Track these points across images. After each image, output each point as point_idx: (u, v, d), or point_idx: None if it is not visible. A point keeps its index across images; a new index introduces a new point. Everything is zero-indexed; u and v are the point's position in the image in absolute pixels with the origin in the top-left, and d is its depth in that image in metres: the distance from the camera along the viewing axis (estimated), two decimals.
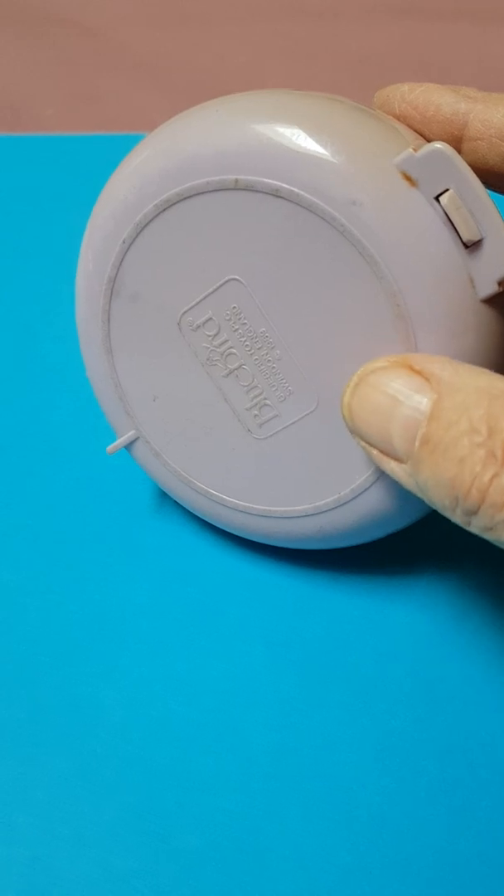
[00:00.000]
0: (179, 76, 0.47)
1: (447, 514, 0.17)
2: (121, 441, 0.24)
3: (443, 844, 0.20)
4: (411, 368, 0.17)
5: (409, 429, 0.17)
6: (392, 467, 0.18)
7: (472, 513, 0.16)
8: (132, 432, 0.24)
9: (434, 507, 0.17)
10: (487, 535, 0.16)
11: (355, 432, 0.19)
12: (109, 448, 0.24)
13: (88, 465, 0.27)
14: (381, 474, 0.20)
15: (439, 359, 0.18)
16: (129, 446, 0.24)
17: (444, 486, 0.16)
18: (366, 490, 0.21)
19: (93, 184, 0.21)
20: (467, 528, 0.17)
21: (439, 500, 0.17)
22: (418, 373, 0.17)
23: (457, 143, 0.20)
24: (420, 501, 0.19)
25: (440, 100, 0.20)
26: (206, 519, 0.25)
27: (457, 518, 0.17)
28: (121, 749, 0.22)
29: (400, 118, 0.20)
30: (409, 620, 0.24)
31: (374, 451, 0.18)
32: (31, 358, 0.31)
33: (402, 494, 0.21)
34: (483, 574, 0.25)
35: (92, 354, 0.23)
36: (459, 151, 0.20)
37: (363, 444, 0.19)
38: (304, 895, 0.19)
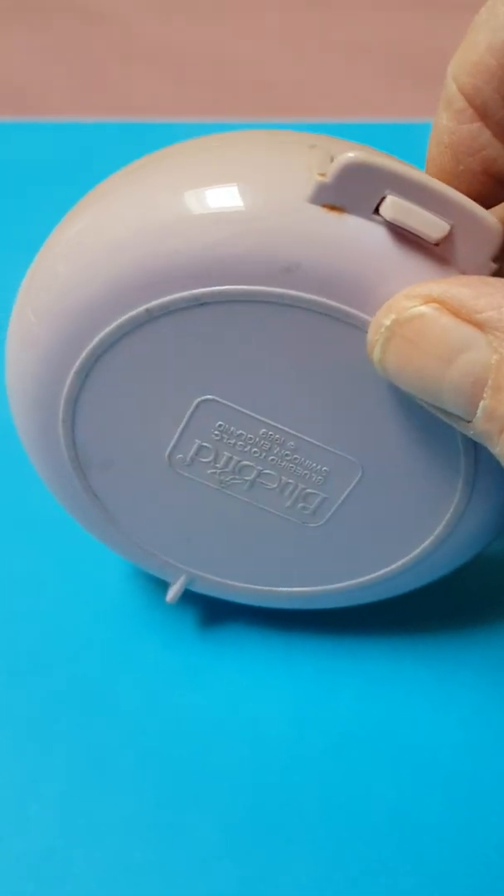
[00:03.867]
0: (186, 63, 0.46)
1: None
2: (177, 587, 0.21)
3: (459, 836, 0.20)
4: (457, 315, 0.14)
5: (465, 396, 0.14)
6: (452, 423, 0.15)
7: None
8: (183, 577, 0.21)
9: None
10: None
11: (401, 388, 0.15)
12: (169, 597, 0.21)
13: None
14: (474, 490, 0.17)
15: (491, 289, 0.13)
16: (189, 584, 0.21)
17: None
18: (463, 513, 0.18)
19: (99, 170, 0.20)
20: None
21: None
22: (467, 321, 0.13)
23: None
24: None
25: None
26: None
27: None
28: (137, 740, 0.21)
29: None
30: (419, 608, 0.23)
31: (426, 404, 0.15)
32: None
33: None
34: None
35: (100, 532, 0.20)
36: None
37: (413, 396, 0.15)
38: (321, 888, 0.19)
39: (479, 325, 0.13)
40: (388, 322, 0.14)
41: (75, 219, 0.16)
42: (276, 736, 0.21)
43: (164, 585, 0.22)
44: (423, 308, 0.14)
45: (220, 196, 0.15)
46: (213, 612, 0.23)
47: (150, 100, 0.43)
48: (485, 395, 0.13)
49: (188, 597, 0.23)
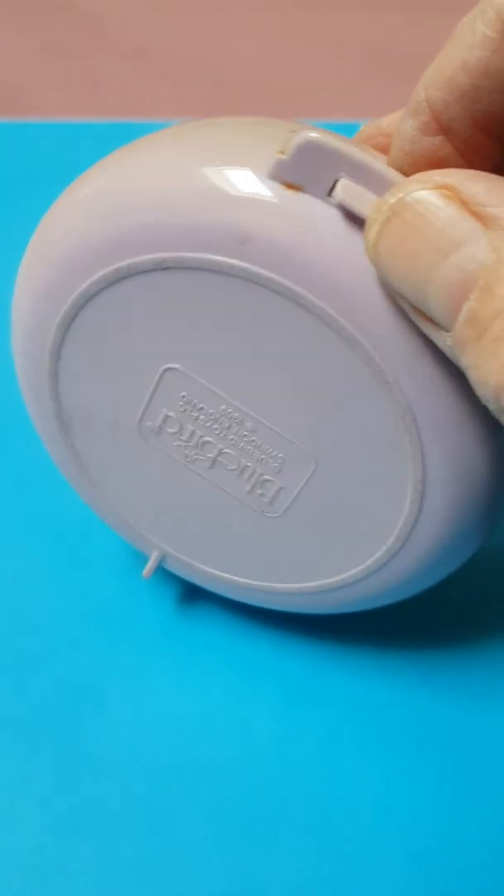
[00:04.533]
0: (183, 63, 0.46)
1: (489, 407, 0.13)
2: (151, 562, 0.22)
3: (446, 832, 0.20)
4: (463, 204, 0.13)
5: (452, 294, 0.13)
6: (429, 331, 0.14)
7: None
8: (156, 552, 0.22)
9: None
10: None
11: (383, 280, 0.14)
12: (145, 571, 0.22)
13: None
14: (425, 500, 0.17)
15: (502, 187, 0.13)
16: (163, 561, 0.22)
17: (490, 389, 0.13)
18: (415, 525, 0.17)
19: None
20: None
21: (483, 395, 0.13)
22: (473, 214, 0.13)
23: None
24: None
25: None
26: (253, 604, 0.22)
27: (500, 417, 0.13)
28: (126, 738, 0.21)
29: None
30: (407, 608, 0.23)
31: (407, 305, 0.14)
32: None
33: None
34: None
35: (83, 492, 0.21)
36: None
37: (394, 294, 0.14)
38: (309, 884, 0.19)
39: (485, 221, 0.13)
40: (392, 201, 0.13)
41: (71, 194, 0.18)
42: (265, 734, 0.22)
43: (154, 583, 0.22)
44: (432, 192, 0.13)
45: (186, 166, 0.15)
46: (206, 611, 0.24)
47: (147, 100, 0.43)
48: (471, 297, 0.13)
49: (182, 595, 0.23)
